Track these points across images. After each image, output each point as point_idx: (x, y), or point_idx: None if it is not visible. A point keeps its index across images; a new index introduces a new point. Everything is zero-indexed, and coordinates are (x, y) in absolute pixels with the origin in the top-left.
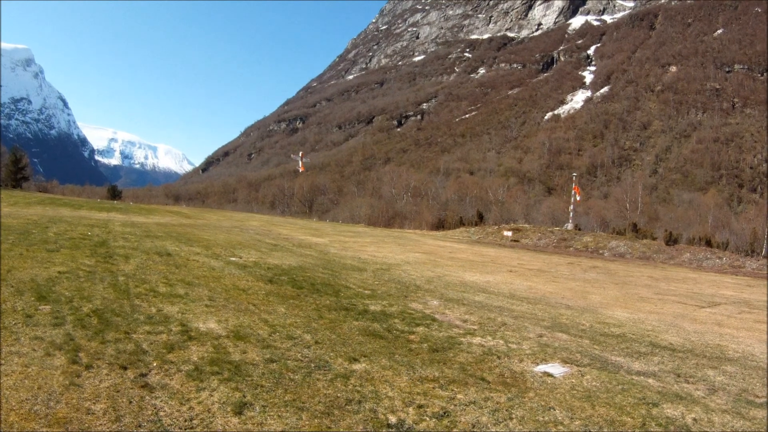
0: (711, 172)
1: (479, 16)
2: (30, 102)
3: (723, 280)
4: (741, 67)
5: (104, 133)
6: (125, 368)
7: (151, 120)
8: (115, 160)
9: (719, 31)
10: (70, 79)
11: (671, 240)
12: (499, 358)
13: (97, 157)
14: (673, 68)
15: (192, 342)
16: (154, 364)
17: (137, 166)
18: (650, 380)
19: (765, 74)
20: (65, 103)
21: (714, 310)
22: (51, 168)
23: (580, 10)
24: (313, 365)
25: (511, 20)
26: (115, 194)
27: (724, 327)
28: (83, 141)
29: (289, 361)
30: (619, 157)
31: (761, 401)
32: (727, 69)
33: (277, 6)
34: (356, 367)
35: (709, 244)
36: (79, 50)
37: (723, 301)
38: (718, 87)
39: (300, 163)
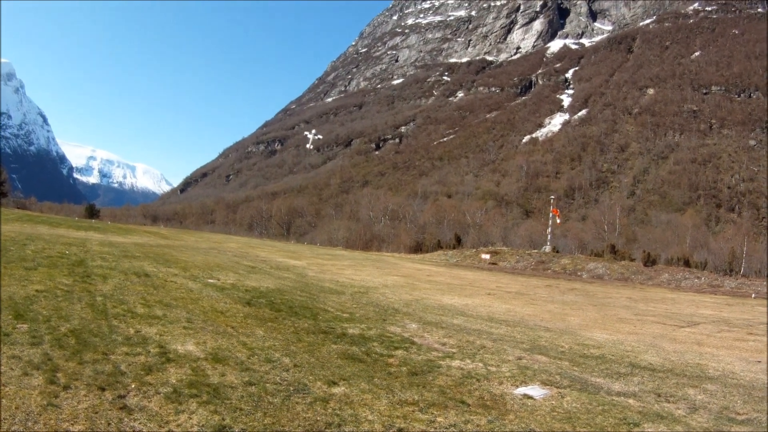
0: (689, 192)
1: (458, 39)
2: (10, 117)
3: (702, 300)
4: (718, 88)
5: (83, 151)
6: (103, 389)
7: (130, 139)
8: (93, 179)
9: (696, 54)
10: (49, 94)
11: (649, 261)
12: (478, 380)
13: (76, 175)
14: (651, 91)
15: (170, 364)
16: (133, 386)
17: (115, 185)
18: (630, 400)
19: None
20: (45, 119)
21: (693, 330)
22: (29, 185)
23: (558, 33)
24: (292, 388)
25: (490, 44)
26: (93, 213)
27: (703, 346)
28: (62, 158)
29: (268, 385)
30: (597, 179)
31: (742, 418)
32: (704, 91)
33: (256, 27)
34: (335, 390)
35: (687, 264)
36: (59, 65)
37: (702, 321)
38: (695, 108)
39: (311, 140)
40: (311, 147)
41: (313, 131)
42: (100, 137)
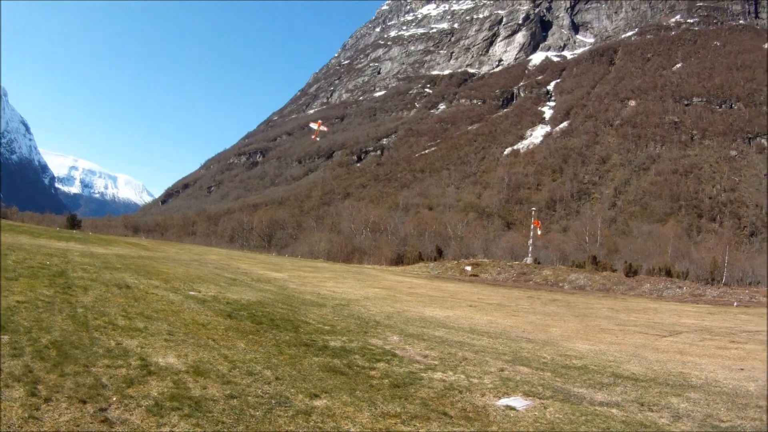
0: (670, 203)
1: (441, 52)
2: None
3: (684, 309)
4: (699, 99)
5: (65, 161)
6: (84, 402)
7: (111, 149)
8: (75, 189)
9: (678, 66)
10: (31, 102)
11: (631, 271)
12: (460, 392)
13: (58, 185)
14: (632, 102)
15: (152, 377)
16: (114, 399)
17: (97, 195)
18: (614, 410)
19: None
20: (27, 128)
21: (675, 339)
22: (11, 194)
23: (540, 46)
24: (273, 401)
25: (472, 56)
26: (74, 223)
27: (686, 355)
28: (44, 167)
29: (249, 398)
30: (578, 191)
31: (726, 425)
32: (685, 102)
33: (238, 38)
34: (317, 403)
35: (669, 274)
36: (42, 73)
37: (684, 330)
38: (676, 120)
39: (316, 130)
40: (316, 128)
41: (319, 121)
42: (82, 147)
